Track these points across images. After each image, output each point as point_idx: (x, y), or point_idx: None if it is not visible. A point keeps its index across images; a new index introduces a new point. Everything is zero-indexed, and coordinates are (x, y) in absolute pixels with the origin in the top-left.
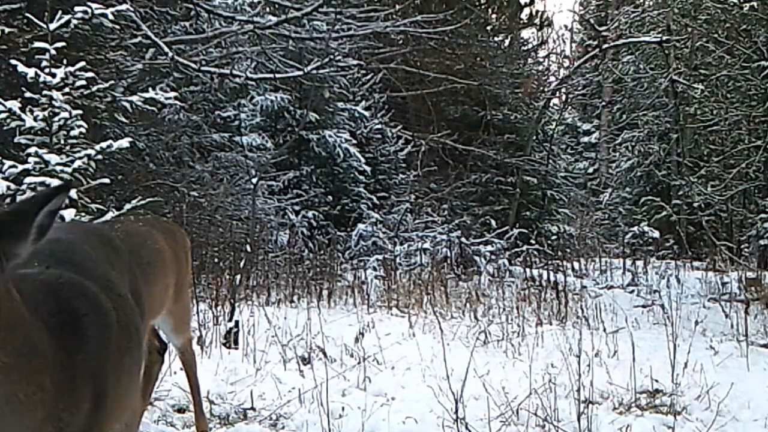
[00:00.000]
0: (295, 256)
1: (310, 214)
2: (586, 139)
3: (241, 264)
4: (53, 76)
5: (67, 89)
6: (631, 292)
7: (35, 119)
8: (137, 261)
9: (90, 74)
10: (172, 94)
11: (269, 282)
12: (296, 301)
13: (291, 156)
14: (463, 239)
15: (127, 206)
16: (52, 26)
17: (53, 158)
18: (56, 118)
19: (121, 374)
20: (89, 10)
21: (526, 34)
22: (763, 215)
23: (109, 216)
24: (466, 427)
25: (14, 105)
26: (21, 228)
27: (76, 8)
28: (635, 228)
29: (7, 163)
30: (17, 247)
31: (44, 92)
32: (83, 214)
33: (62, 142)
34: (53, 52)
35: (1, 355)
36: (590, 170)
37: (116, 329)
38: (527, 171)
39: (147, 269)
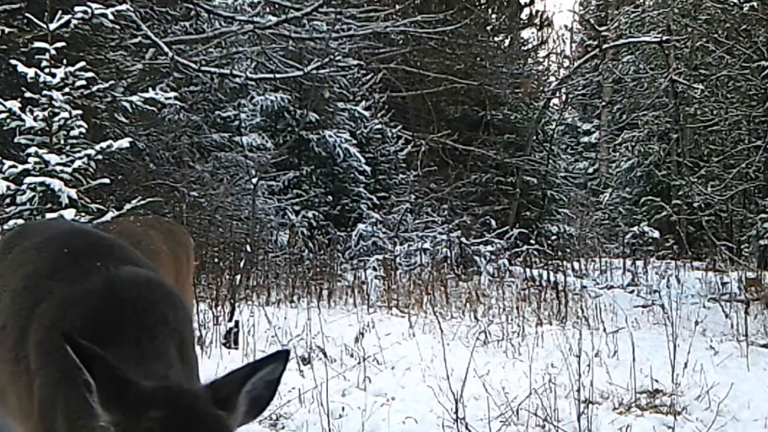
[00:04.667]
0: (295, 256)
1: (310, 214)
2: (586, 139)
3: (241, 264)
4: (53, 76)
5: (67, 89)
6: (631, 292)
7: (35, 119)
8: None
9: (90, 74)
10: (172, 94)
11: (269, 282)
12: (296, 301)
13: (291, 156)
14: (463, 239)
15: (127, 206)
16: (52, 26)
17: (53, 158)
18: (56, 118)
19: None
20: (89, 10)
21: (526, 34)
22: (763, 215)
23: (109, 216)
24: (466, 427)
25: (14, 105)
26: (229, 399)
27: (76, 8)
28: (635, 228)
29: (7, 163)
30: (228, 418)
31: (44, 92)
32: (83, 214)
33: (62, 142)
34: (53, 52)
35: None
36: (590, 170)
37: None
38: (527, 171)
39: None
